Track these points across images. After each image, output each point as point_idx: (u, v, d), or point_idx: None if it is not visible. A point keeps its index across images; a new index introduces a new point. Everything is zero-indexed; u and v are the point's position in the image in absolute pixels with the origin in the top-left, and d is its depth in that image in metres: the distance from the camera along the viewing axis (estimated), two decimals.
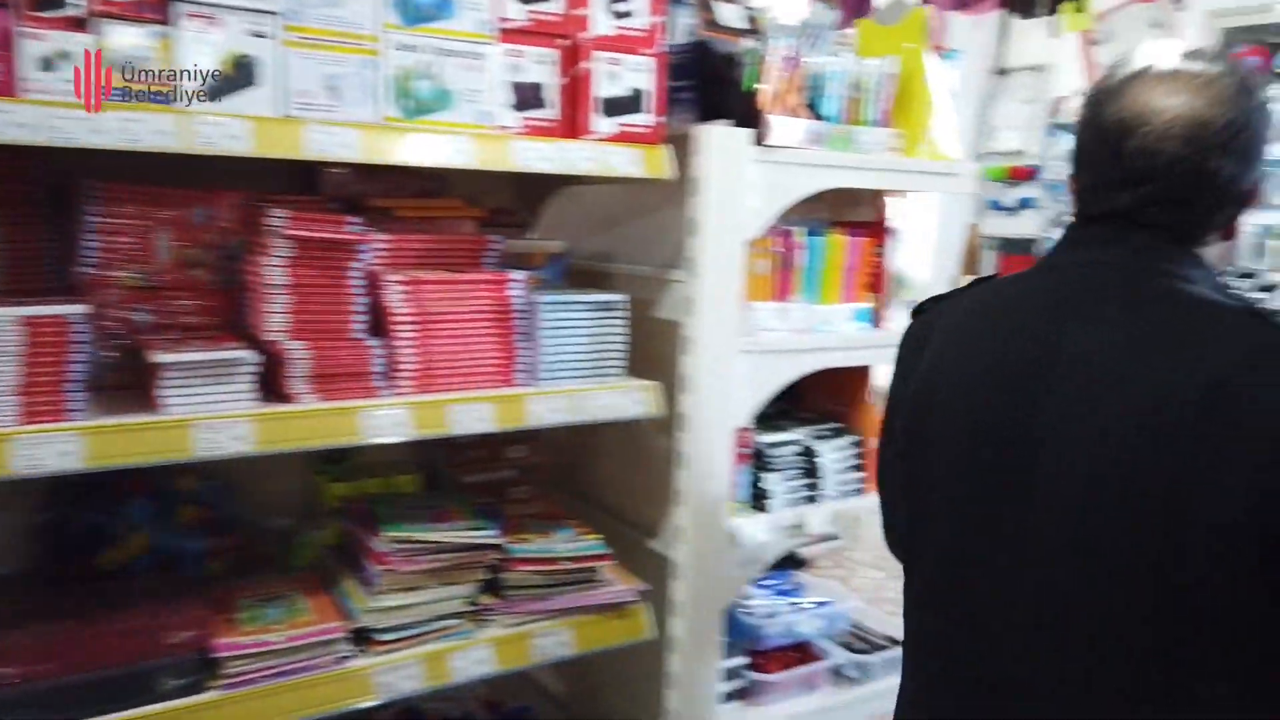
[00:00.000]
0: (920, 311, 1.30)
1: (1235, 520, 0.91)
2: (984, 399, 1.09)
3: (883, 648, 2.40)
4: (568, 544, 1.87)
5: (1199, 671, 0.95)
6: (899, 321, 2.16)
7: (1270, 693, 0.94)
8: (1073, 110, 5.78)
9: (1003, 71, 6.04)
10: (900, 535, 1.27)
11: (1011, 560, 1.04)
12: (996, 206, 6.00)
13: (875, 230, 2.26)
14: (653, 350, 1.97)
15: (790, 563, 2.58)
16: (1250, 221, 4.55)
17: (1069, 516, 1.01)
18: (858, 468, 2.27)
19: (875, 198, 2.35)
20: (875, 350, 2.19)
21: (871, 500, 1.73)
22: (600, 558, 1.89)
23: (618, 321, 1.88)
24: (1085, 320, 1.04)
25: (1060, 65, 5.73)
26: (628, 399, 1.86)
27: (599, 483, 2.33)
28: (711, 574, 2.02)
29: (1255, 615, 0.92)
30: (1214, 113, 1.02)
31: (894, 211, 2.33)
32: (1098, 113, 1.10)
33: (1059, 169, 5.65)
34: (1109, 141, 1.07)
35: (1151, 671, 0.96)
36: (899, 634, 1.29)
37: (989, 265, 5.99)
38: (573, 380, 1.82)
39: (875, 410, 2.26)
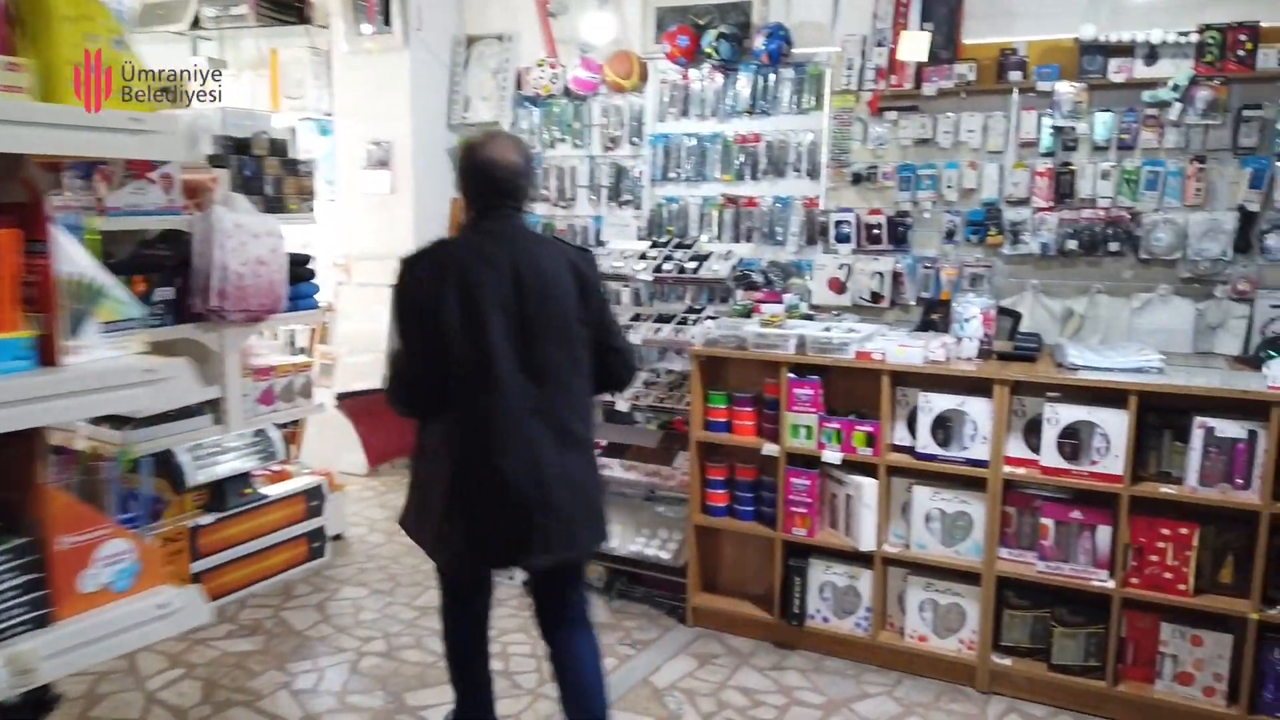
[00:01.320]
0: (416, 261, 2.33)
1: (585, 312, 2.35)
2: (497, 287, 2.24)
3: None
4: None
5: (578, 366, 2.37)
6: (102, 355, 1.56)
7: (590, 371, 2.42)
8: (537, 82, 5.96)
9: (471, 40, 5.92)
10: (426, 390, 2.30)
11: (528, 349, 2.26)
12: None
13: (26, 219, 1.52)
14: None
15: None
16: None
17: (553, 324, 2.29)
18: (35, 585, 1.53)
19: (15, 169, 1.61)
20: (56, 402, 1.48)
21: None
22: None
23: None
24: (518, 248, 2.30)
25: (523, 34, 5.77)
26: None
27: None
28: None
29: (585, 335, 2.37)
30: (523, 160, 2.37)
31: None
32: (474, 158, 2.36)
33: (531, 141, 5.74)
34: (486, 173, 2.33)
35: (579, 372, 2.37)
36: None
37: None
38: None
39: (61, 497, 1.60)
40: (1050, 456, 2.97)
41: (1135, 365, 2.95)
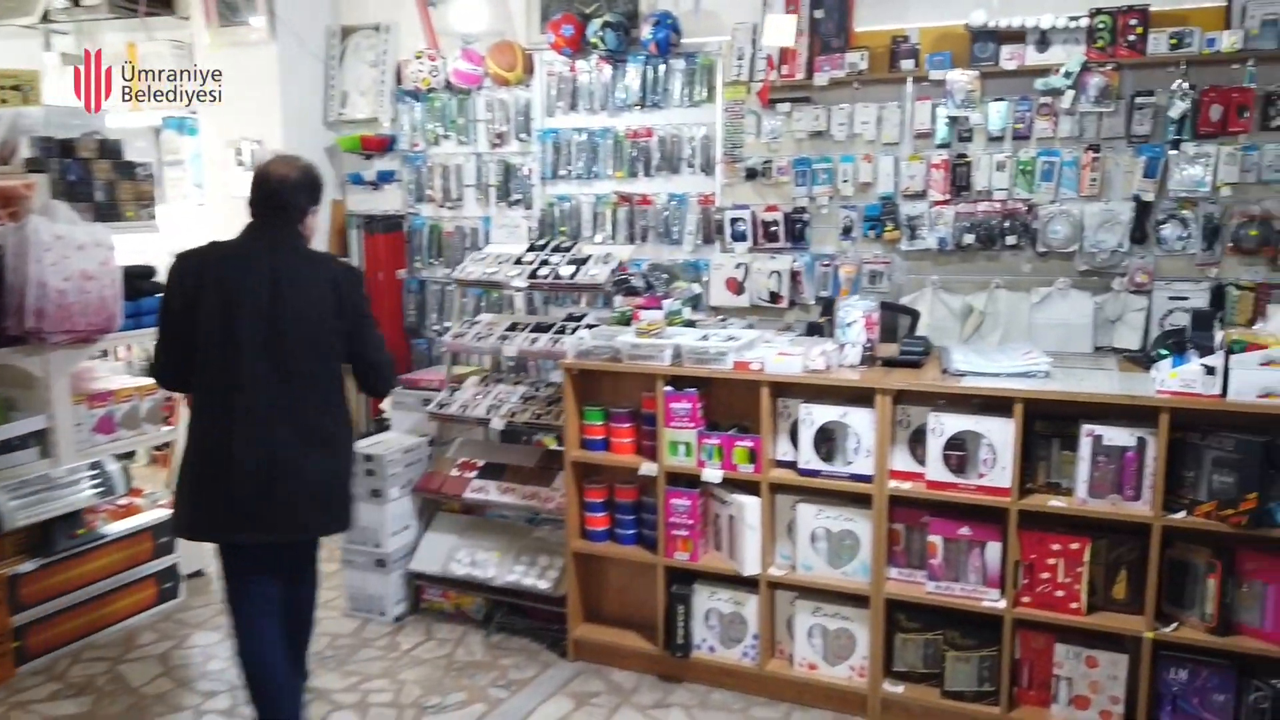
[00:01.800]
0: (186, 256, 2.54)
1: (340, 324, 2.56)
2: (254, 291, 2.46)
3: None
4: None
5: (329, 371, 2.59)
6: None
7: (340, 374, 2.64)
8: (416, 75, 5.61)
9: (346, 31, 5.55)
10: (179, 372, 2.56)
11: (279, 351, 2.47)
12: (358, 181, 5.55)
13: None
14: None
15: None
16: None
17: (304, 331, 2.49)
18: None
19: None
20: None
21: None
22: None
23: None
24: (281, 257, 2.53)
25: (402, 24, 5.42)
26: None
27: None
28: None
29: (338, 346, 2.58)
30: (296, 175, 2.59)
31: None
32: (256, 172, 2.61)
33: (414, 138, 5.40)
34: (259, 186, 2.57)
35: (331, 376, 2.60)
36: None
37: (357, 245, 5.55)
38: None
39: None
40: (936, 469, 2.78)
41: (1022, 370, 2.78)
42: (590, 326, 3.56)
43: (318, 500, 2.53)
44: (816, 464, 2.93)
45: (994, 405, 2.72)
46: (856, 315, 2.99)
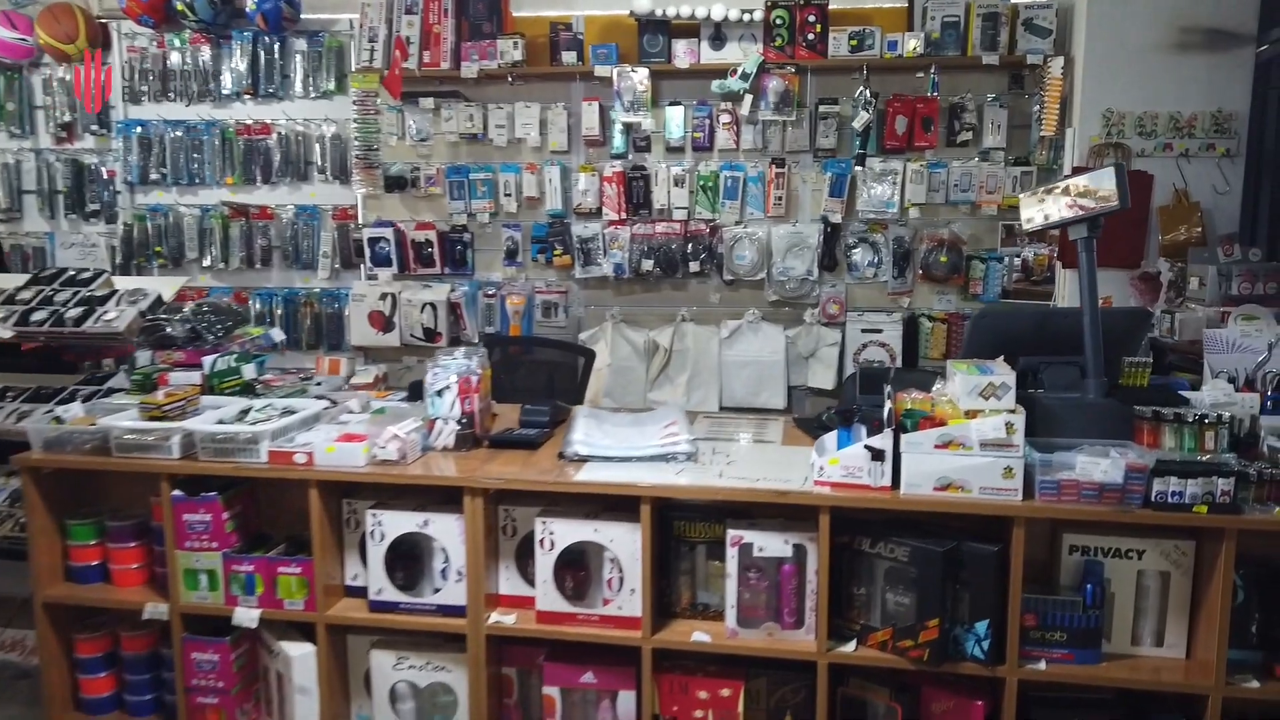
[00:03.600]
0: None
1: None
2: None
3: None
4: None
5: None
6: None
7: None
8: None
9: None
10: None
11: None
12: None
13: None
14: None
15: None
16: None
17: None
18: None
19: None
20: None
21: None
22: None
23: None
24: None
25: None
26: None
27: None
28: None
29: None
30: None
31: None
32: None
33: None
34: None
35: None
36: None
37: None
38: None
39: None
40: (548, 596, 2.01)
41: (657, 451, 2.07)
42: (111, 393, 2.51)
43: None
44: (393, 594, 2.07)
45: (622, 503, 1.99)
46: (449, 381, 2.17)
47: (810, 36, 3.57)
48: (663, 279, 3.87)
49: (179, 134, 3.97)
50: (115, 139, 4.00)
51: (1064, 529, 1.89)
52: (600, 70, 3.67)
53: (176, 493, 2.10)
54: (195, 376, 2.42)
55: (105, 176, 4.04)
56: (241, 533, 2.18)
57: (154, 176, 4.00)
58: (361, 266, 3.98)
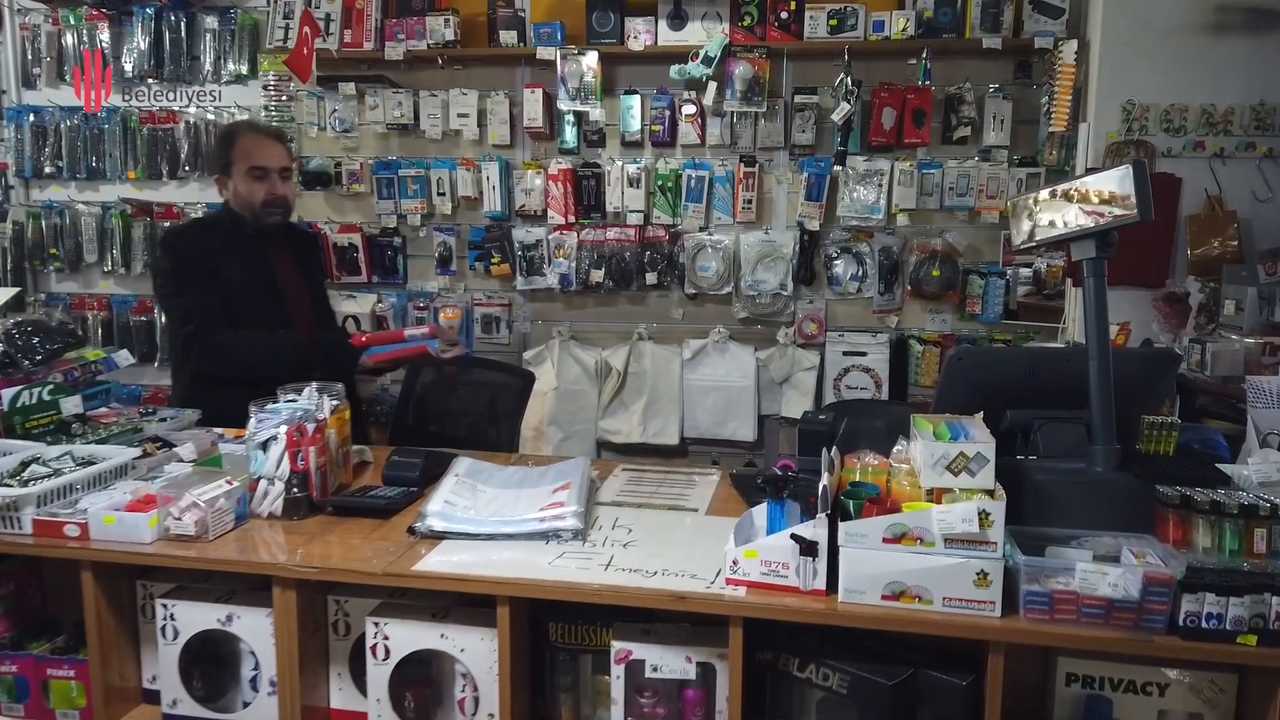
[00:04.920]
0: None
1: None
2: None
3: None
4: None
5: None
6: None
7: None
8: None
9: None
10: None
11: None
12: None
13: None
14: None
15: None
16: None
17: None
18: None
19: None
20: None
21: None
22: None
23: None
24: None
25: None
26: None
27: None
28: None
29: None
30: None
31: None
32: None
33: None
34: None
35: None
36: None
37: None
38: None
39: None
40: (381, 714, 1.54)
41: (535, 528, 1.60)
42: None
43: None
44: (190, 706, 1.61)
45: (482, 598, 1.52)
46: (276, 430, 1.70)
47: (784, 15, 3.08)
48: (617, 292, 3.40)
49: (76, 122, 3.54)
50: (6, 127, 3.57)
51: (1059, 652, 1.40)
52: (543, 53, 3.20)
53: None
54: None
55: None
56: (14, 617, 1.72)
57: (49, 170, 3.57)
58: None
